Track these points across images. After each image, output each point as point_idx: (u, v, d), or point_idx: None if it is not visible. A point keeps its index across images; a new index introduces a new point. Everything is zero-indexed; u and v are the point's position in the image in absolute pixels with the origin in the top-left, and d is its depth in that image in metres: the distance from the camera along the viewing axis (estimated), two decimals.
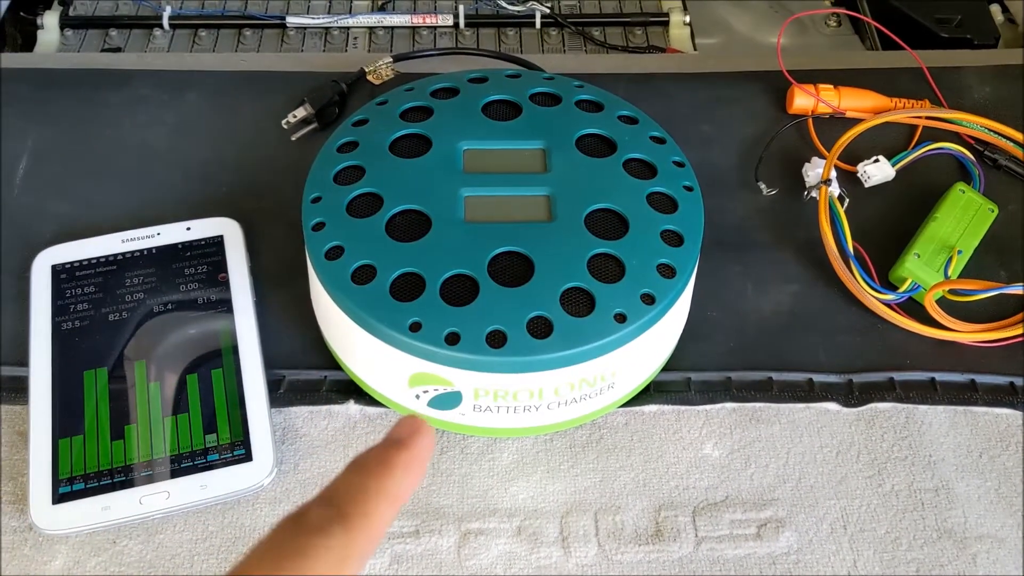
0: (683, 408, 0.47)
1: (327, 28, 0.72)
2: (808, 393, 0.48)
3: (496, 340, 0.41)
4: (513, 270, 0.43)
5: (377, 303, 0.42)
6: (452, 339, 0.41)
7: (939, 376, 0.48)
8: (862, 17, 0.70)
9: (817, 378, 0.48)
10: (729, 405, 0.47)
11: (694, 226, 0.46)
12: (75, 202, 0.54)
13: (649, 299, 0.43)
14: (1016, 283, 0.47)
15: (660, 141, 0.49)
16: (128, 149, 0.57)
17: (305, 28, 0.72)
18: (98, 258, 0.50)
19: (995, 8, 0.73)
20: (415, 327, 0.41)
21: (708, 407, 0.47)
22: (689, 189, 0.47)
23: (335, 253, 0.44)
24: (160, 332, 0.48)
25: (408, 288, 0.42)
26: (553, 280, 0.43)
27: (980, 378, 0.48)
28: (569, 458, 0.46)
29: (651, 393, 0.48)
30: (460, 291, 0.42)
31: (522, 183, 0.47)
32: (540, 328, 0.41)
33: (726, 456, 0.46)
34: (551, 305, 0.42)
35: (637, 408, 0.47)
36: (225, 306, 0.49)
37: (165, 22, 0.71)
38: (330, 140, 0.49)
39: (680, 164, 0.48)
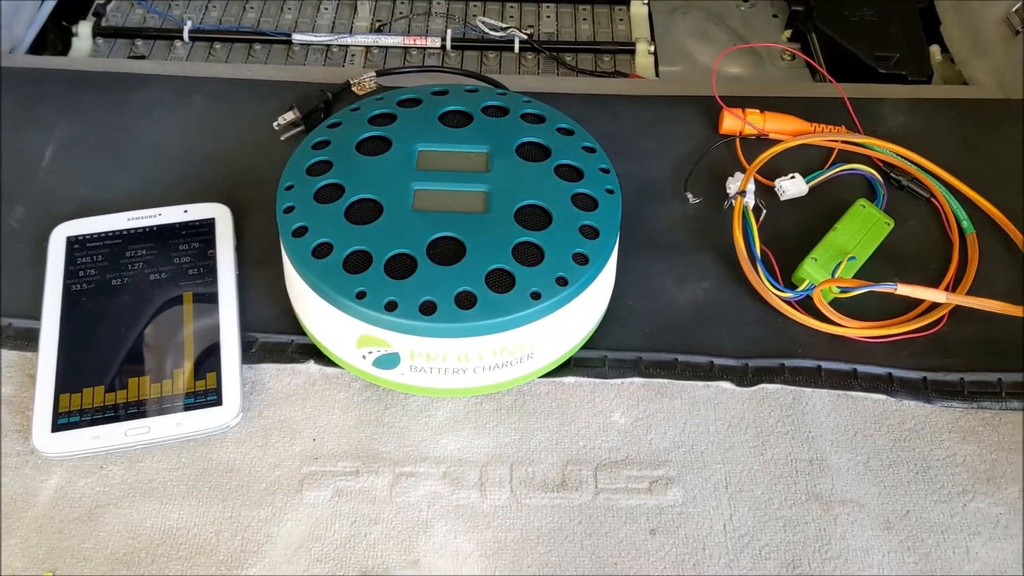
0: (598, 381, 0.54)
1: (328, 45, 0.81)
2: (708, 373, 0.55)
3: (428, 309, 0.48)
4: (448, 252, 0.51)
5: (331, 275, 0.50)
6: (391, 306, 0.48)
7: (825, 364, 0.55)
8: (804, 56, 0.77)
9: (718, 361, 0.55)
10: (639, 380, 0.55)
11: (611, 223, 0.53)
12: (91, 185, 0.63)
13: (563, 281, 0.50)
14: (888, 282, 0.53)
15: (591, 150, 0.57)
16: (140, 142, 0.65)
17: (309, 45, 0.81)
18: (106, 232, 0.59)
19: (935, 48, 0.80)
20: (360, 295, 0.49)
21: (620, 381, 0.54)
22: (610, 192, 0.55)
23: (300, 232, 0.52)
24: (155, 298, 0.56)
25: (358, 262, 0.50)
26: (481, 262, 0.50)
27: (862, 368, 0.55)
28: (495, 418, 0.53)
29: (571, 367, 0.55)
30: (401, 267, 0.50)
31: (465, 180, 0.54)
32: (466, 301, 0.49)
33: (631, 424, 0.53)
34: (477, 282, 0.49)
35: (558, 379, 0.54)
36: (211, 277, 0.57)
37: (185, 35, 0.80)
38: (307, 139, 0.57)
39: (606, 171, 0.56)
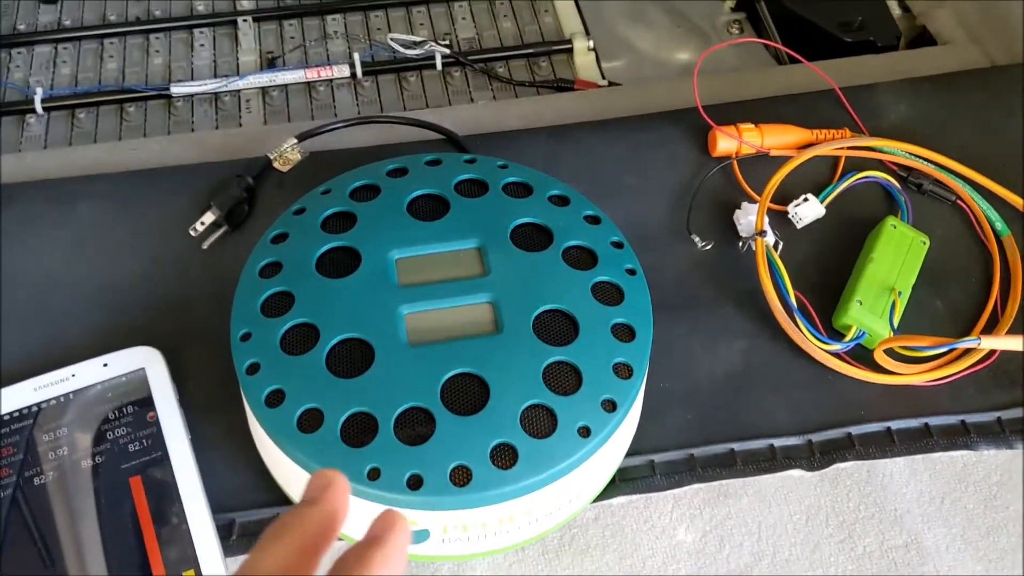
0: (650, 495, 0.47)
1: (216, 93, 0.68)
2: (771, 462, 0.47)
3: (460, 477, 0.39)
4: (467, 395, 0.41)
5: (329, 451, 0.40)
6: (415, 483, 0.39)
7: (894, 425, 0.48)
8: (769, 43, 0.69)
9: (778, 443, 0.48)
10: (695, 485, 0.47)
11: (643, 315, 0.45)
12: None
13: (611, 406, 0.41)
14: (968, 336, 0.46)
15: (595, 221, 0.48)
16: (23, 278, 0.52)
17: (192, 96, 0.68)
18: (10, 413, 0.47)
19: (891, 2, 0.73)
20: (373, 474, 0.39)
21: (675, 491, 0.47)
22: (632, 272, 0.46)
23: (276, 399, 0.41)
24: (93, 493, 0.44)
25: (360, 430, 0.40)
26: (510, 400, 0.41)
27: (933, 421, 0.49)
28: (543, 567, 0.45)
29: (617, 484, 0.46)
30: (416, 427, 0.40)
31: (462, 291, 0.44)
32: (504, 457, 0.40)
33: (700, 539, 0.46)
34: (512, 429, 0.40)
35: (605, 502, 0.46)
36: (159, 449, 0.46)
37: (38, 106, 0.66)
38: (250, 262, 0.46)
39: (619, 245, 0.47)
